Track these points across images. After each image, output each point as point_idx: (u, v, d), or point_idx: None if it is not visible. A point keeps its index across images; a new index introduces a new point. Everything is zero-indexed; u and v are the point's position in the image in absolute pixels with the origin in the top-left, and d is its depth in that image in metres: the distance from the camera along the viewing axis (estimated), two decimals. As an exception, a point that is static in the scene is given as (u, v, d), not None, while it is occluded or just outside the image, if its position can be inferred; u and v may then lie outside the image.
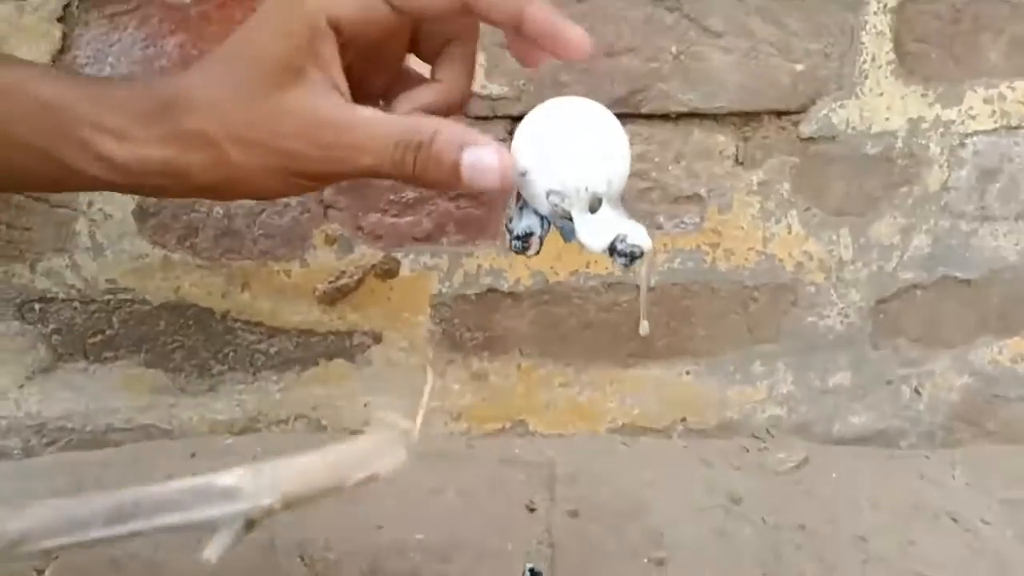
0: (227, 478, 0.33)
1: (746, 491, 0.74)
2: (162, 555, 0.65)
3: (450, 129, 0.38)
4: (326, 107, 0.37)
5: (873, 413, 0.79)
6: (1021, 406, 0.80)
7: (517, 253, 0.41)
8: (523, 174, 0.41)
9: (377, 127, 0.38)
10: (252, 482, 0.33)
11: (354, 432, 0.77)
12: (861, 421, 0.79)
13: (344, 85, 0.38)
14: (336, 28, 0.37)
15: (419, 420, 0.35)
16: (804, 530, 0.70)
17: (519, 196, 0.42)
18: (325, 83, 0.37)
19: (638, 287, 0.41)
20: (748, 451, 0.78)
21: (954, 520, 0.72)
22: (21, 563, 0.33)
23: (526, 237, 0.40)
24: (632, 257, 0.39)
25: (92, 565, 0.63)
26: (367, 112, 0.38)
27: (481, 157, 0.38)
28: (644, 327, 0.42)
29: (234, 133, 0.37)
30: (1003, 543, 0.70)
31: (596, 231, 0.40)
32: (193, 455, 0.75)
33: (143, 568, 0.64)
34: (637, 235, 0.39)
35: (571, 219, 0.40)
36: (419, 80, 0.43)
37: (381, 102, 0.43)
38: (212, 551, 0.33)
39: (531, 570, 0.53)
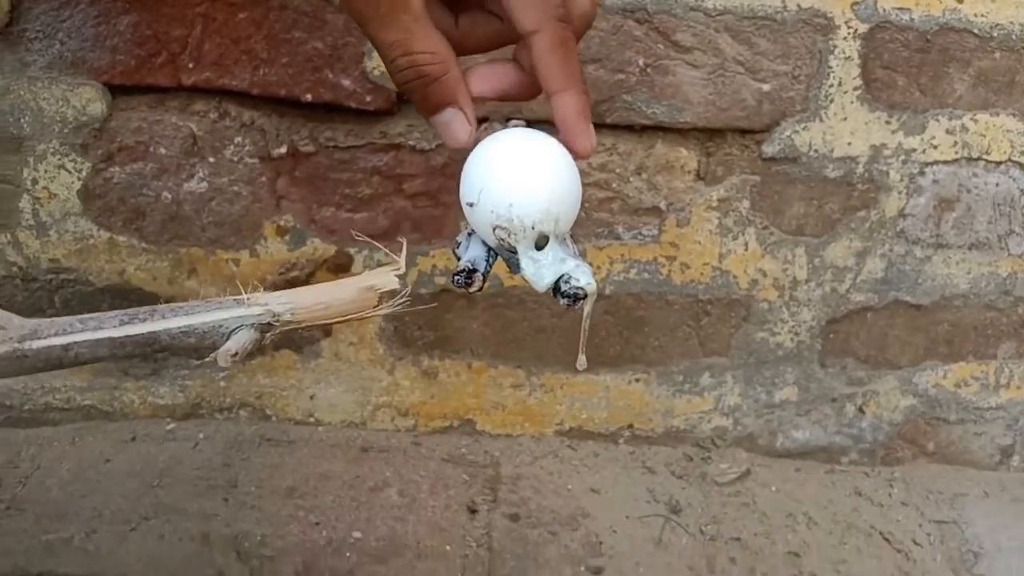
0: (240, 296, 0.37)
1: (686, 501, 0.75)
2: (96, 540, 0.64)
3: (453, 79, 0.40)
4: None
5: (817, 429, 0.80)
6: (961, 429, 0.81)
7: (458, 288, 0.40)
8: (471, 205, 0.40)
9: (411, 27, 0.38)
10: (264, 296, 0.37)
11: (299, 422, 0.77)
12: (804, 436, 0.80)
13: None
14: None
15: (403, 256, 0.40)
16: (740, 543, 0.72)
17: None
18: None
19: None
20: (692, 460, 0.79)
21: (887, 540, 0.73)
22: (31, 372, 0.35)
23: (470, 273, 0.40)
24: (575, 299, 0.38)
25: (25, 551, 0.63)
26: (417, 5, 0.38)
27: (453, 123, 0.40)
28: (582, 362, 0.42)
29: None
30: (932, 565, 0.71)
31: (541, 269, 0.39)
32: (133, 438, 0.74)
33: (75, 552, 0.63)
34: (582, 276, 0.38)
35: (517, 253, 0.40)
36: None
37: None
38: (226, 349, 0.35)
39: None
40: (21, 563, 0.61)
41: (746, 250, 0.73)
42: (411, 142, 0.68)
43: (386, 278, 0.38)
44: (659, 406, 0.78)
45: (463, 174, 0.40)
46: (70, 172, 0.67)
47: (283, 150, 0.67)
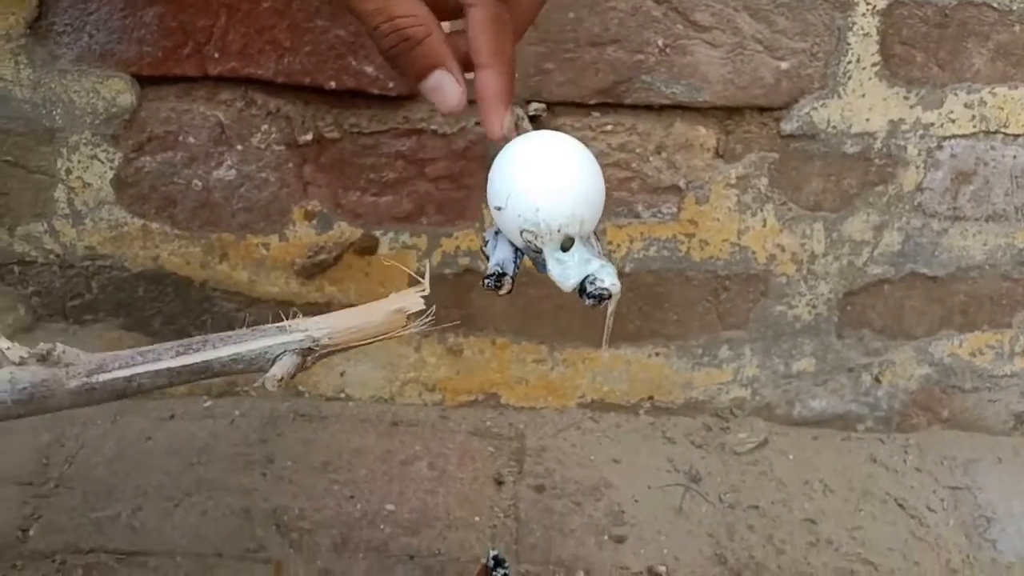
0: (282, 322, 0.40)
1: (706, 470, 0.77)
2: (142, 517, 0.67)
3: (437, 41, 0.40)
4: None
5: (833, 398, 0.82)
6: (975, 396, 0.83)
7: (489, 290, 0.42)
8: (498, 209, 0.41)
9: None
10: (304, 322, 0.40)
11: (331, 398, 0.79)
12: (821, 405, 0.82)
13: None
14: None
15: (427, 278, 0.41)
16: (758, 510, 0.74)
17: None
18: None
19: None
20: (711, 430, 0.81)
21: (901, 506, 0.76)
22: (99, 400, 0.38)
23: (499, 277, 0.41)
24: (600, 299, 0.40)
25: (76, 528, 0.66)
26: None
27: (443, 85, 0.40)
28: (606, 357, 0.44)
29: None
30: (945, 530, 0.74)
31: (567, 270, 0.41)
32: (172, 416, 0.77)
33: (123, 529, 0.67)
34: (606, 277, 0.40)
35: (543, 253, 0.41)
36: None
37: None
38: (271, 376, 0.38)
39: (494, 557, 0.56)
40: (72, 540, 0.65)
41: (764, 226, 0.74)
42: (433, 126, 0.69)
43: (413, 300, 0.40)
44: (679, 378, 0.80)
45: (490, 177, 0.41)
46: (103, 162, 0.69)
47: (308, 137, 0.69)
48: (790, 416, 0.82)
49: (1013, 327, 0.80)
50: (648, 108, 0.70)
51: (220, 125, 0.68)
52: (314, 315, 0.76)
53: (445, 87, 0.40)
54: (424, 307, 0.40)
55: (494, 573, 0.56)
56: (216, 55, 0.66)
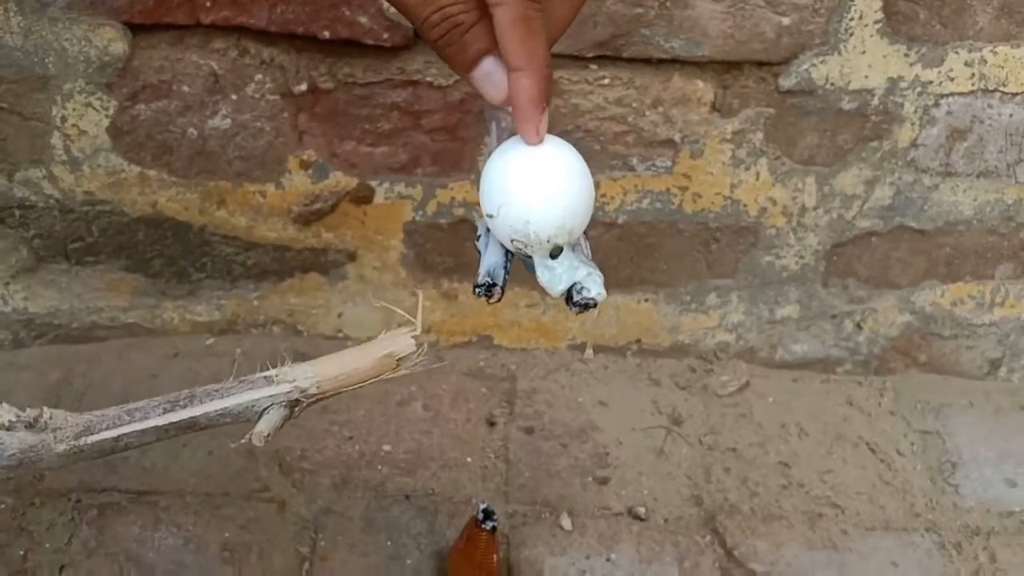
0: (269, 371, 0.39)
1: (688, 412, 0.80)
2: (152, 456, 0.71)
3: (487, 28, 0.39)
4: None
5: (815, 342, 0.85)
6: (954, 343, 0.85)
7: (480, 299, 0.43)
8: (490, 216, 0.42)
9: None
10: (292, 371, 0.39)
11: (328, 337, 0.82)
12: (803, 349, 0.85)
13: None
14: None
15: (419, 316, 0.41)
16: (735, 453, 0.78)
17: None
18: None
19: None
20: (695, 371, 0.84)
21: (872, 450, 0.79)
22: (87, 461, 0.38)
23: (490, 287, 0.43)
24: (586, 307, 0.42)
25: (89, 467, 0.70)
26: None
27: (496, 73, 0.39)
28: (589, 354, 0.45)
29: None
30: (911, 475, 0.78)
31: (555, 276, 0.42)
32: (176, 354, 0.80)
33: (134, 469, 0.70)
34: (592, 286, 0.41)
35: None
36: None
37: None
38: (259, 431, 0.38)
39: (484, 510, 0.60)
40: (86, 479, 0.68)
41: (757, 180, 0.75)
42: (428, 78, 0.68)
43: (404, 342, 0.39)
44: (666, 323, 0.83)
45: (482, 185, 0.42)
46: (97, 110, 0.68)
47: (303, 87, 0.68)
48: (772, 359, 0.85)
49: (995, 278, 0.82)
50: (646, 62, 0.69)
51: (214, 74, 0.68)
52: (310, 260, 0.77)
53: (496, 75, 0.39)
54: (415, 348, 0.40)
55: (484, 525, 0.60)
56: (208, 3, 0.65)
